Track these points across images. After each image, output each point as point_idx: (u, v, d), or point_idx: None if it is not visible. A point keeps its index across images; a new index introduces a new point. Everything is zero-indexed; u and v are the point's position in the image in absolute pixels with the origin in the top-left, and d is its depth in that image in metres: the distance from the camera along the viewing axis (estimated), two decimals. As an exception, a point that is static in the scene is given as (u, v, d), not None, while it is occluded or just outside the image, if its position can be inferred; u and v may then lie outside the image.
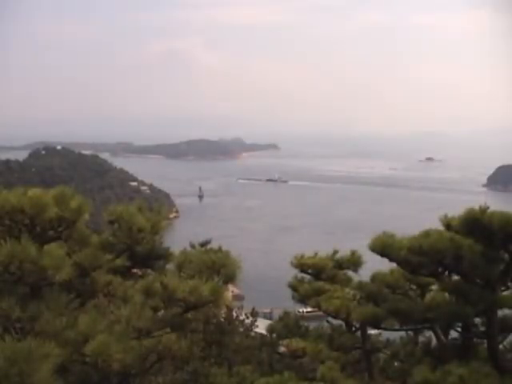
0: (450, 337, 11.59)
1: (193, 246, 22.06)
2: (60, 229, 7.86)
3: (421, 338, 14.39)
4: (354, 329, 15.20)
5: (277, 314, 30.81)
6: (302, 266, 16.34)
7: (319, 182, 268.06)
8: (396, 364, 15.84)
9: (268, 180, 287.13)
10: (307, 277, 16.50)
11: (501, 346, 10.27)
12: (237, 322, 20.26)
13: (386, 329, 12.89)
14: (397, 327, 12.76)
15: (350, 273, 16.55)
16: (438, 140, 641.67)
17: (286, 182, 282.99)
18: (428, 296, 12.76)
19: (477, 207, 9.07)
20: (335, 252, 16.82)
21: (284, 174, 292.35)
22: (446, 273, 10.62)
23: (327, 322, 15.88)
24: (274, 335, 18.53)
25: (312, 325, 17.05)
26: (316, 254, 16.58)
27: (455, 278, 10.52)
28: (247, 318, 22.18)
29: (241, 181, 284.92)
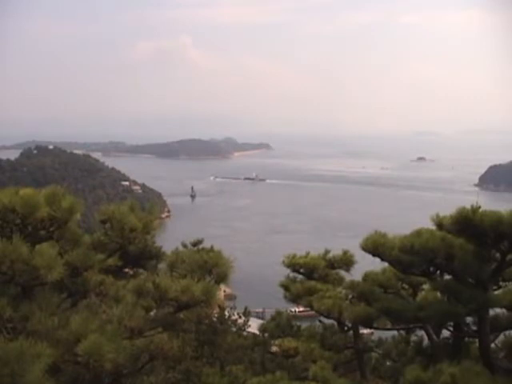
0: (441, 336, 11.62)
1: (185, 246, 22.07)
2: (51, 228, 7.84)
3: (413, 338, 14.45)
4: (346, 328, 15.22)
5: (269, 313, 30.82)
6: (293, 265, 16.35)
7: (304, 181, 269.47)
8: (388, 363, 15.90)
9: (246, 178, 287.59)
10: (299, 276, 16.52)
11: (492, 345, 10.29)
12: (229, 322, 20.24)
13: (378, 328, 12.93)
14: (389, 326, 12.82)
15: (342, 272, 16.59)
16: (429, 140, 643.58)
17: (263, 180, 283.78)
18: (420, 295, 12.81)
19: (468, 207, 9.09)
20: (327, 251, 16.84)
21: (276, 173, 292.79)
22: (438, 272, 10.65)
23: (319, 321, 15.90)
24: (267, 335, 18.56)
25: (304, 324, 17.08)
26: (308, 253, 16.60)
27: (447, 277, 10.55)
28: (239, 317, 22.17)
29: (218, 179, 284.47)
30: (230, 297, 60.55)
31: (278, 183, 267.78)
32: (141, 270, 14.05)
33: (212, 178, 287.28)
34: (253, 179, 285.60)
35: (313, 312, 15.31)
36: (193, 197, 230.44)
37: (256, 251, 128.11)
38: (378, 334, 16.30)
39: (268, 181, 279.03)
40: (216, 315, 18.74)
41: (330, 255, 16.73)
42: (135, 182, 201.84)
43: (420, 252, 9.46)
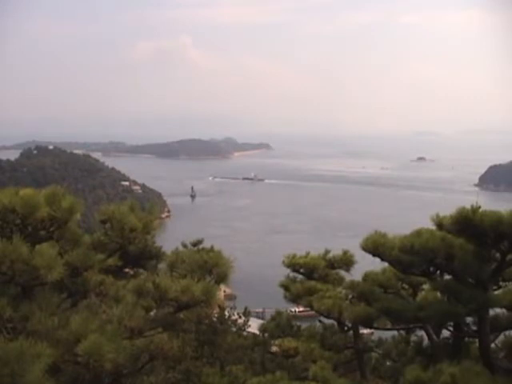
0: (441, 336, 11.62)
1: (185, 246, 22.06)
2: (51, 228, 7.83)
3: (413, 338, 14.44)
4: (346, 328, 15.21)
5: (269, 313, 30.80)
6: (293, 265, 16.35)
7: (304, 181, 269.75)
8: (388, 363, 15.89)
9: (244, 178, 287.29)
10: (299, 276, 16.52)
11: (492, 345, 10.29)
12: (229, 322, 20.24)
13: (378, 328, 12.92)
14: (389, 326, 12.81)
15: (342, 272, 16.58)
16: (429, 140, 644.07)
17: (262, 180, 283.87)
18: (420, 295, 12.81)
19: (468, 207, 9.09)
20: (327, 251, 16.84)
21: (275, 173, 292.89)
22: (438, 272, 10.65)
23: (319, 321, 15.89)
24: (267, 335, 18.55)
25: (304, 324, 17.07)
26: (308, 253, 16.59)
27: (447, 277, 10.55)
28: (239, 317, 22.17)
29: (217, 179, 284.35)
30: (230, 297, 60.52)
31: (278, 183, 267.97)
32: (141, 270, 14.06)
33: (211, 178, 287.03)
34: (251, 179, 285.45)
35: (313, 312, 15.31)
36: (193, 197, 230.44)
37: (256, 251, 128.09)
38: (378, 334, 16.30)
39: (267, 181, 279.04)
40: (216, 315, 18.74)
41: (330, 255, 16.72)
42: (135, 182, 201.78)
43: (420, 252, 9.46)
